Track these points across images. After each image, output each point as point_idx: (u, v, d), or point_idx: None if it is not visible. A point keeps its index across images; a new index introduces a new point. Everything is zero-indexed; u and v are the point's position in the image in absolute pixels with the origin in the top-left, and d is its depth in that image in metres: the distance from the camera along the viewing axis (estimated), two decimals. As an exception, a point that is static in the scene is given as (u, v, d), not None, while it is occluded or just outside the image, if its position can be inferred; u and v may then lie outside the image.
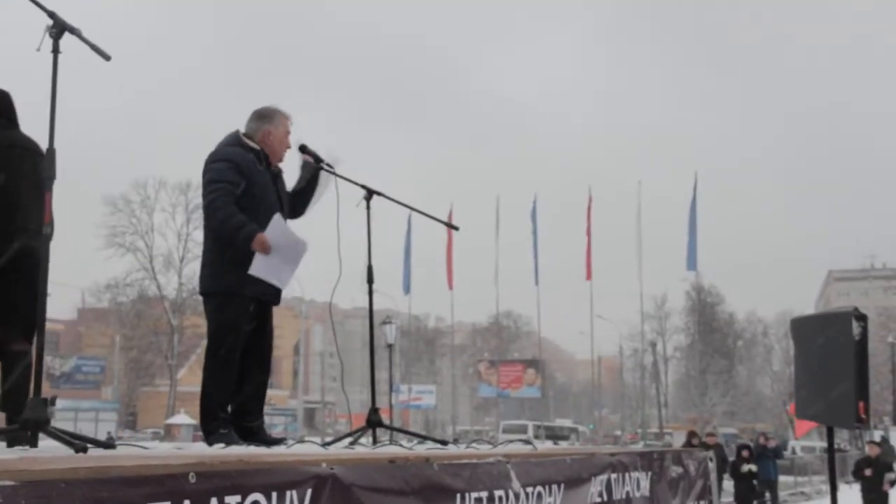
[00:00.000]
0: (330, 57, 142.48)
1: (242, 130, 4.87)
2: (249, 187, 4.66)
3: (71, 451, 2.84)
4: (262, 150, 4.81)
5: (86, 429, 36.37)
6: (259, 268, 4.53)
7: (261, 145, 4.82)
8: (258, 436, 4.70)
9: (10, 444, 3.25)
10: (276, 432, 40.59)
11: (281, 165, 5.01)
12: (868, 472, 16.31)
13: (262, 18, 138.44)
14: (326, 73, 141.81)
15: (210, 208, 4.60)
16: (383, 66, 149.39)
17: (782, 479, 24.10)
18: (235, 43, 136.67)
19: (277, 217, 4.60)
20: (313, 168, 5.08)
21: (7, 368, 4.05)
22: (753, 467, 19.02)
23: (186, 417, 47.83)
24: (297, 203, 5.11)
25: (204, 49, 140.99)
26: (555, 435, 46.59)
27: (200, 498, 2.27)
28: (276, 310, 5.05)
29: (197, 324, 50.66)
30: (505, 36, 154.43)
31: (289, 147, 4.96)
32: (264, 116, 4.88)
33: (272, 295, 4.81)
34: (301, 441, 4.89)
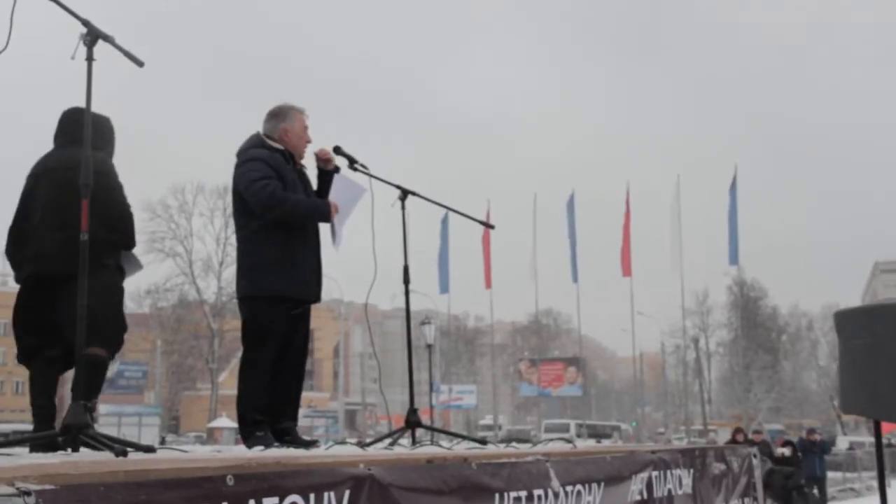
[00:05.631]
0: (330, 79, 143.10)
1: (261, 131, 4.90)
2: (282, 186, 4.68)
3: (111, 456, 2.86)
4: (286, 150, 4.83)
5: (129, 433, 36.85)
6: (337, 229, 4.85)
7: (281, 144, 4.84)
8: (291, 437, 4.70)
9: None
10: (317, 434, 40.82)
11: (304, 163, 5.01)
12: None
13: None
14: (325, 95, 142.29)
15: (272, 199, 4.57)
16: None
17: (830, 475, 23.64)
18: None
19: (338, 176, 4.91)
20: (322, 171, 5.03)
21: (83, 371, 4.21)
22: (787, 451, 18.30)
23: (228, 421, 48.19)
24: None
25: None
26: (597, 433, 46.36)
27: (238, 500, 2.29)
28: (315, 312, 5.05)
29: (237, 327, 50.19)
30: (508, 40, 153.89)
31: (308, 142, 4.97)
32: (278, 115, 4.90)
33: (311, 294, 4.82)
34: (340, 442, 4.89)
